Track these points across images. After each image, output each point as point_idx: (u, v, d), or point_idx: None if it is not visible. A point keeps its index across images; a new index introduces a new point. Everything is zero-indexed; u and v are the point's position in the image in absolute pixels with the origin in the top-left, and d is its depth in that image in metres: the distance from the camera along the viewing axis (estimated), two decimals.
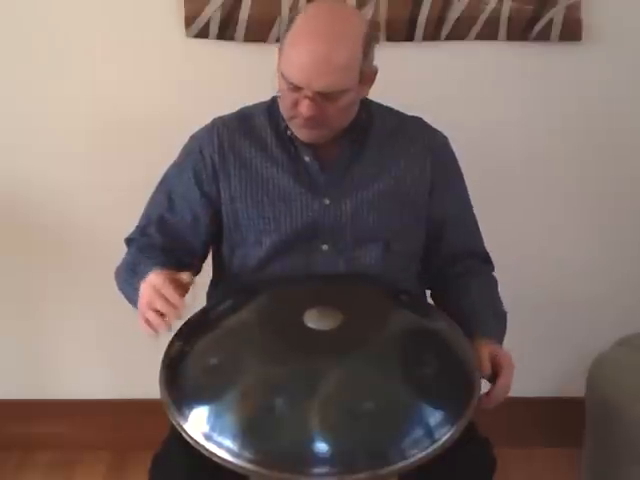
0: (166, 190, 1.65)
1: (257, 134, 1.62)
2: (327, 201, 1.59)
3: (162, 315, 1.36)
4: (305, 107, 1.47)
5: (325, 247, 1.61)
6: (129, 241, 1.67)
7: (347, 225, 1.60)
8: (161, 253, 1.58)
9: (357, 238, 1.61)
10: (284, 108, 1.54)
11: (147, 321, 1.38)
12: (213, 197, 1.61)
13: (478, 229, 1.74)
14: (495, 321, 1.61)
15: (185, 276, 1.41)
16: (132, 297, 1.50)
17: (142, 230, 1.65)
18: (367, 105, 1.62)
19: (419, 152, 1.63)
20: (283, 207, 1.59)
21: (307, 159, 1.59)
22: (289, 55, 1.46)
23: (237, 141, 1.61)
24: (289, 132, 1.58)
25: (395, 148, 1.62)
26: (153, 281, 1.39)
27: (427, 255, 1.71)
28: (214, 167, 1.60)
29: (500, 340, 1.58)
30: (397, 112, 1.68)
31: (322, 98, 1.46)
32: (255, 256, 1.61)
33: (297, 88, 1.47)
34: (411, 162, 1.62)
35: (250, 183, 1.60)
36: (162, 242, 1.61)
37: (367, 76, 1.52)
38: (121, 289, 1.59)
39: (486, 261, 1.75)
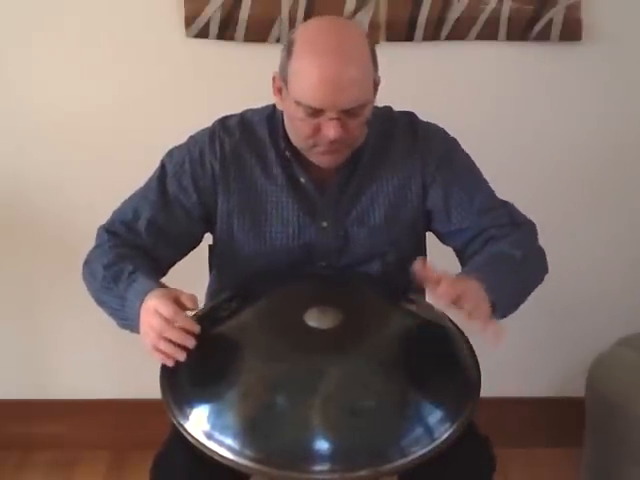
0: (161, 190, 1.57)
1: (258, 147, 1.57)
2: (324, 224, 1.57)
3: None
4: (332, 129, 1.40)
5: (323, 263, 1.59)
6: (109, 233, 1.56)
7: (342, 245, 1.58)
8: (143, 256, 1.52)
9: (353, 256, 1.59)
10: (301, 138, 1.47)
11: (160, 351, 1.33)
12: (210, 206, 1.57)
13: (494, 204, 1.62)
14: (489, 260, 1.48)
15: (190, 303, 1.36)
16: (116, 307, 1.45)
17: (129, 225, 1.56)
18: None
19: (411, 158, 1.58)
20: (280, 228, 1.56)
21: (303, 180, 1.55)
22: (303, 80, 1.40)
23: (239, 153, 1.56)
24: (288, 153, 1.54)
25: (385, 156, 1.58)
26: (160, 309, 1.33)
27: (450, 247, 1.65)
28: (214, 176, 1.55)
29: (490, 276, 1.40)
30: (387, 114, 1.62)
31: (346, 116, 1.41)
32: (249, 269, 1.59)
33: (318, 112, 1.40)
34: (404, 171, 1.58)
35: (249, 200, 1.56)
36: (148, 243, 1.55)
37: (376, 87, 1.49)
38: (98, 296, 1.51)
39: (513, 224, 1.60)
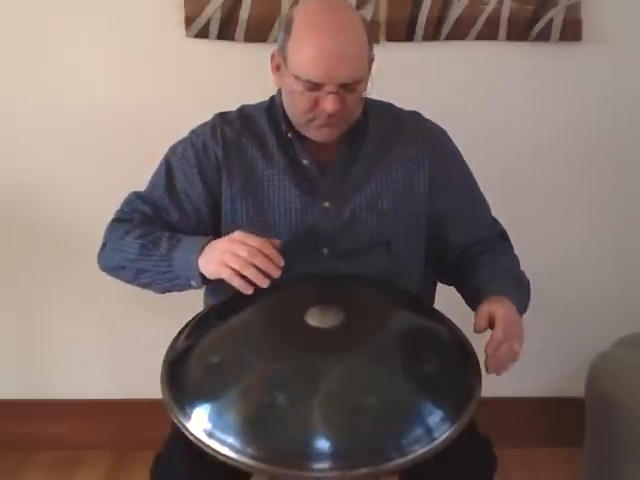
0: (169, 184, 1.61)
1: (259, 135, 1.61)
2: (327, 204, 1.59)
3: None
4: (331, 102, 1.45)
5: (325, 251, 1.60)
6: (121, 221, 1.60)
7: (347, 228, 1.59)
8: None
9: (357, 241, 1.60)
10: (299, 111, 1.51)
11: (244, 277, 1.40)
12: (216, 195, 1.60)
13: (488, 217, 1.72)
14: (511, 283, 1.55)
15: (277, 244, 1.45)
16: (161, 270, 1.50)
17: (141, 212, 1.60)
18: (364, 104, 1.59)
19: (416, 151, 1.61)
20: (283, 211, 1.58)
21: (305, 162, 1.58)
22: (303, 55, 1.45)
23: (240, 142, 1.60)
24: (289, 134, 1.57)
25: (392, 148, 1.61)
26: (247, 241, 1.41)
27: (438, 255, 1.69)
28: (218, 164, 1.59)
29: (517, 301, 1.49)
30: (393, 108, 1.67)
31: (344, 90, 1.46)
32: None
33: (317, 86, 1.45)
34: (409, 162, 1.61)
35: (251, 185, 1.59)
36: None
37: (370, 64, 1.52)
38: (136, 266, 1.54)
39: (502, 240, 1.72)
